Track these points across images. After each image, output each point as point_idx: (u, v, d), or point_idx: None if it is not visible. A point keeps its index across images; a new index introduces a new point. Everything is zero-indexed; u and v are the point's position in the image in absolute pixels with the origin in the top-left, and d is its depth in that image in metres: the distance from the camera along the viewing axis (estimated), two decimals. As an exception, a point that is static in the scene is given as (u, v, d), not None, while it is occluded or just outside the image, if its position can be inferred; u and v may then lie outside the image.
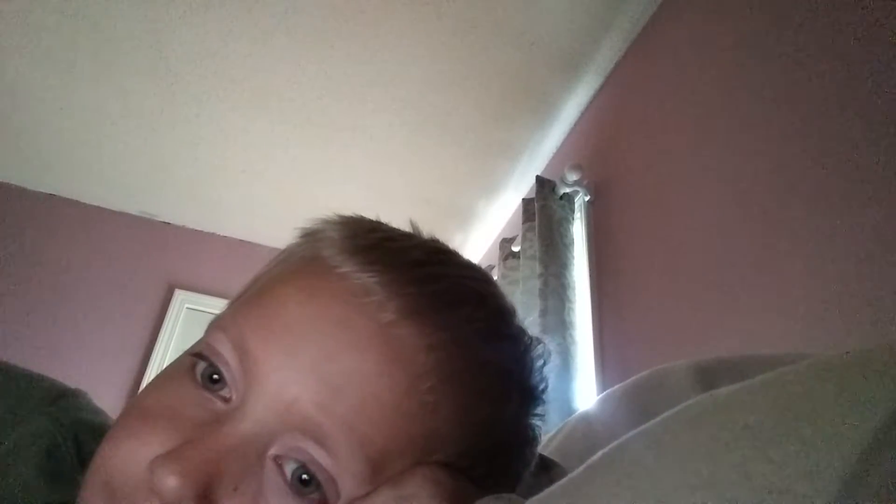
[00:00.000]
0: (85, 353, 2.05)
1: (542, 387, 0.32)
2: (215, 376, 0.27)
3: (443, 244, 0.33)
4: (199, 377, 0.27)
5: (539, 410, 0.32)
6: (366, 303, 0.27)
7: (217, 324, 0.29)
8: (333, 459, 0.25)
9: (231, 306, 0.31)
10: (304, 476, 0.25)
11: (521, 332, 0.32)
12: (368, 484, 0.25)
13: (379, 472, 0.25)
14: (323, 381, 0.25)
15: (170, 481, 0.23)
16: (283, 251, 0.33)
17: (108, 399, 1.97)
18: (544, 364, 0.33)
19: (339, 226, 0.32)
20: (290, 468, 0.25)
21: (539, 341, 0.33)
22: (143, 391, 0.29)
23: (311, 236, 0.32)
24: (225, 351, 0.27)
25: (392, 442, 0.25)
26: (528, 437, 0.32)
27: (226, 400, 0.26)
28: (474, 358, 0.28)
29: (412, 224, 0.34)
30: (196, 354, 0.28)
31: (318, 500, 0.25)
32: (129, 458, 0.25)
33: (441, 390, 0.27)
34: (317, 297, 0.27)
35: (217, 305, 2.26)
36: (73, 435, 0.35)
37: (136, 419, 0.27)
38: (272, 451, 0.25)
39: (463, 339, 0.28)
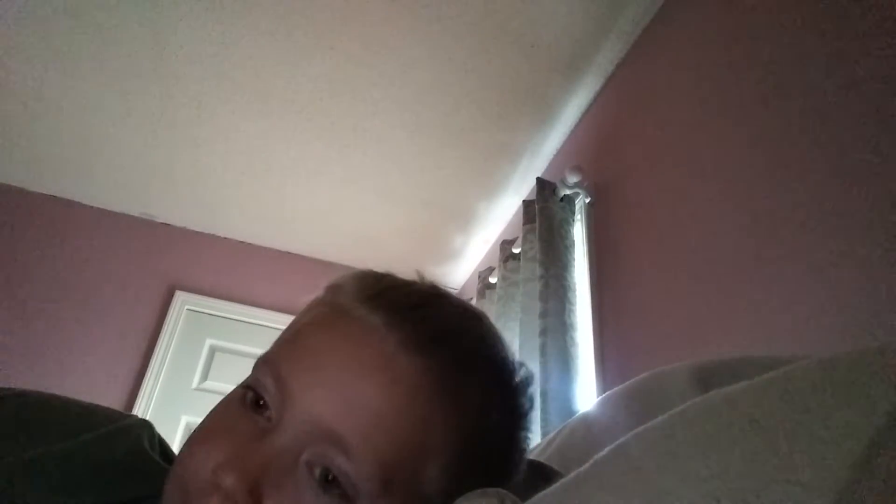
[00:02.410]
0: (85, 353, 2.05)
1: (526, 402, 0.39)
2: (261, 402, 0.34)
3: (440, 289, 0.41)
4: (248, 402, 0.35)
5: (525, 423, 0.39)
6: (372, 338, 0.34)
7: (262, 359, 0.37)
8: (352, 463, 0.31)
9: (274, 344, 0.39)
10: (329, 477, 0.31)
11: (505, 357, 0.39)
12: (380, 483, 0.31)
13: (388, 473, 0.32)
14: (341, 401, 0.32)
15: (228, 480, 0.30)
16: (313, 300, 0.41)
17: (108, 400, 1.97)
18: (528, 384, 0.40)
19: (353, 278, 0.40)
20: (318, 471, 0.32)
21: (522, 365, 0.40)
22: (207, 415, 0.37)
23: (332, 288, 0.40)
24: (266, 381, 0.34)
25: (397, 447, 0.32)
26: (516, 446, 0.39)
27: (269, 419, 0.34)
28: (460, 379, 0.35)
29: (418, 273, 0.43)
30: (246, 386, 0.35)
31: (341, 495, 0.31)
32: (198, 463, 0.32)
33: (433, 405, 0.34)
34: (335, 336, 0.35)
35: (218, 307, 2.26)
36: (158, 434, 0.44)
37: (203, 434, 0.35)
38: (304, 458, 0.32)
39: (450, 365, 0.35)
